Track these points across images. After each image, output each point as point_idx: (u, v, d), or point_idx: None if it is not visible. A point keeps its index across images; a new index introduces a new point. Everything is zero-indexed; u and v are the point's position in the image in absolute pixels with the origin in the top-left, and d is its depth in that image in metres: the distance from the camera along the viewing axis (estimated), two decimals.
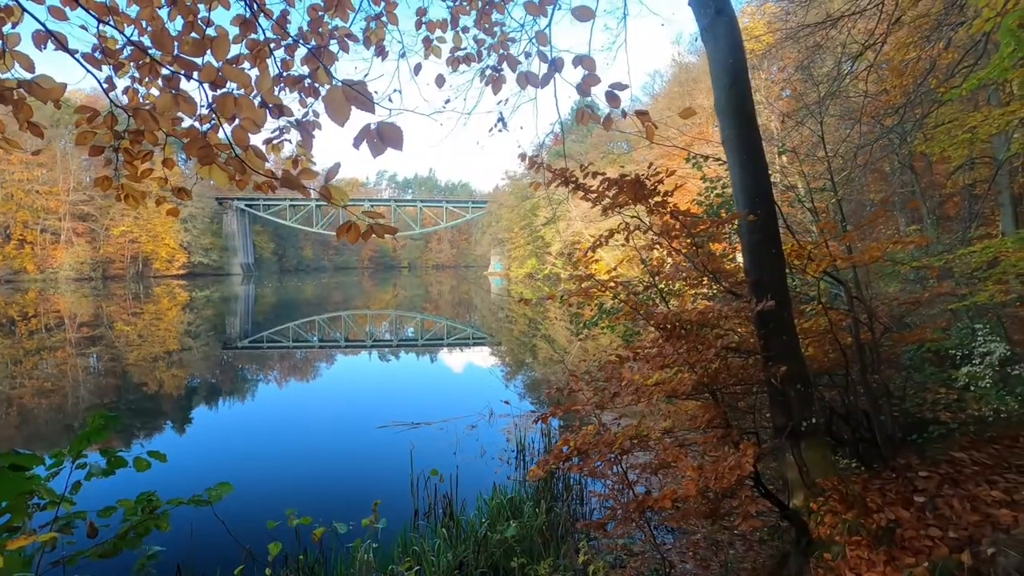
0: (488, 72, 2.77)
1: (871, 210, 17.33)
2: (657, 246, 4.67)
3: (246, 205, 76.82)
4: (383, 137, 1.21)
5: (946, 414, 6.03)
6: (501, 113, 4.56)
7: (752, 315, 3.65)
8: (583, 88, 2.31)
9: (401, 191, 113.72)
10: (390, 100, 3.60)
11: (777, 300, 3.55)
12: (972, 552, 2.57)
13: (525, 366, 15.92)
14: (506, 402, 5.49)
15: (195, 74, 1.47)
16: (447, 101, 5.03)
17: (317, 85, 2.83)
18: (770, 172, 3.93)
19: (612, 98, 2.29)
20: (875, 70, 8.79)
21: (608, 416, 6.15)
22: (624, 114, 2.36)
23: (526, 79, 2.40)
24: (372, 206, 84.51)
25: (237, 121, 1.37)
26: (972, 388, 6.81)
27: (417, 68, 2.90)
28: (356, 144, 1.21)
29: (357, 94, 1.14)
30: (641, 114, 2.35)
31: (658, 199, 3.63)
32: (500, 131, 4.71)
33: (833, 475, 3.50)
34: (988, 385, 6.78)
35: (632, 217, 4.01)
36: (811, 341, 4.64)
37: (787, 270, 4.59)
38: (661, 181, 3.60)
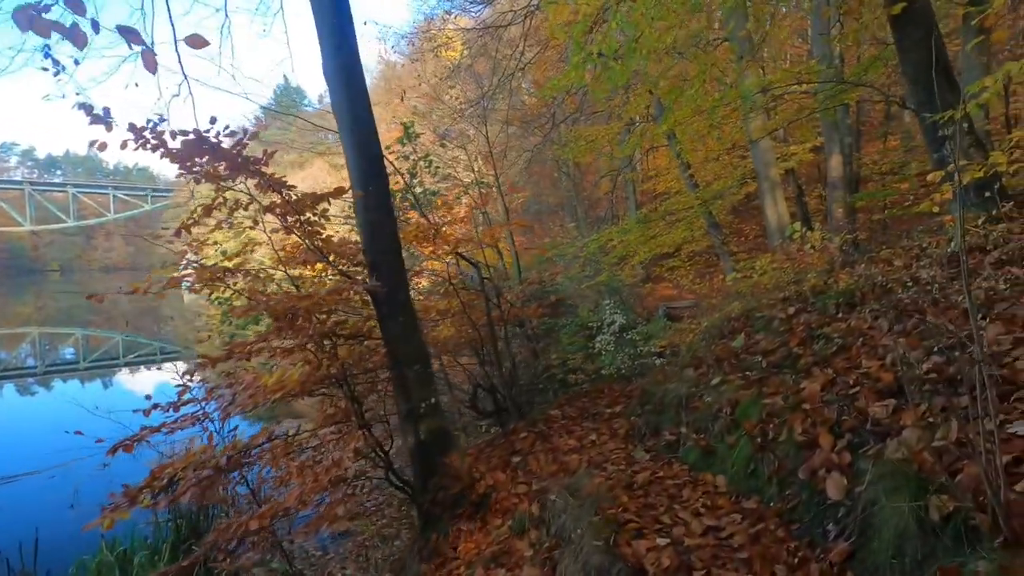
0: None
1: (546, 209, 20.42)
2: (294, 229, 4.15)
3: None
4: None
5: (579, 375, 7.17)
6: (48, 47, 3.39)
7: (371, 297, 3.45)
8: None
9: (46, 172, 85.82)
10: None
11: (393, 281, 3.42)
12: (540, 501, 2.80)
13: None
14: (78, 432, 4.17)
15: None
16: None
17: None
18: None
19: (127, 31, 1.64)
20: (527, 82, 10.05)
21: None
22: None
23: None
24: None
25: None
26: (602, 353, 8.35)
27: None
28: None
29: None
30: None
31: (253, 169, 3.11)
32: (53, 72, 3.52)
33: (453, 452, 3.56)
34: (612, 348, 8.41)
35: (239, 191, 3.40)
36: (452, 320, 4.78)
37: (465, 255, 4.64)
38: (244, 145, 3.06)
